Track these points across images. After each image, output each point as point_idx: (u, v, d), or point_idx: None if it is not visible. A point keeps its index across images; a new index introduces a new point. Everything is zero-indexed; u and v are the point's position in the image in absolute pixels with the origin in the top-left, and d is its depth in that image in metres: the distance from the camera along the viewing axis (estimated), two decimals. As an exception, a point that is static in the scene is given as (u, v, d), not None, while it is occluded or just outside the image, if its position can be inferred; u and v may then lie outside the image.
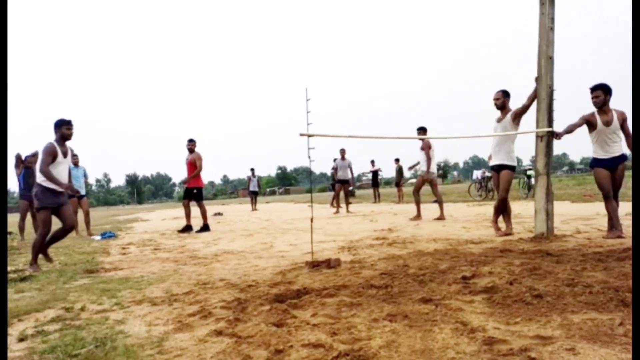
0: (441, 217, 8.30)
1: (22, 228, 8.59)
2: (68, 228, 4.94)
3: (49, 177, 4.63)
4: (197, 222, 8.72)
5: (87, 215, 9.31)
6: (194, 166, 8.37)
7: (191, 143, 8.49)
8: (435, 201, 8.94)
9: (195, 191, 8.51)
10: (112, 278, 4.02)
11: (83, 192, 9.22)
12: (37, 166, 4.76)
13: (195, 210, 8.67)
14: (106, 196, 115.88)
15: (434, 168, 8.61)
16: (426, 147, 8.44)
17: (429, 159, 8.46)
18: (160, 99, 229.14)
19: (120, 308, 2.90)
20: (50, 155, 4.65)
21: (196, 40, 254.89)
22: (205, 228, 8.46)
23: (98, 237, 8.35)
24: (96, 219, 16.17)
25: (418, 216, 8.58)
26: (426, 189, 9.07)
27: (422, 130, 8.35)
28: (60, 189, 4.78)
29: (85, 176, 9.38)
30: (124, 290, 3.42)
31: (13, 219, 11.90)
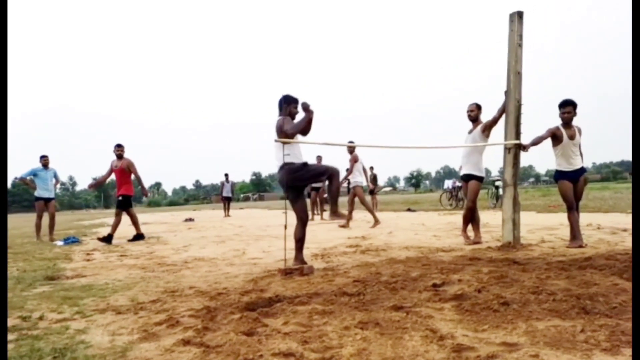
0: (344, 225, 8.96)
1: None
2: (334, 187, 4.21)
3: (299, 126, 3.97)
4: (124, 230, 8.16)
5: (52, 218, 8.96)
6: (124, 173, 7.80)
7: (119, 148, 7.89)
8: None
9: (120, 198, 7.82)
10: (75, 285, 3.86)
11: (52, 195, 8.94)
12: (286, 131, 3.96)
13: (120, 217, 7.88)
14: (71, 200, 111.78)
15: (356, 178, 9.44)
16: (353, 160, 9.36)
17: (350, 170, 9.35)
18: (129, 101, 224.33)
19: (82, 317, 2.78)
20: (289, 123, 4.04)
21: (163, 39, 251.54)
22: (108, 238, 7.52)
23: (60, 243, 8.01)
24: (60, 224, 15.56)
25: (377, 222, 9.13)
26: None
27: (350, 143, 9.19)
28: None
29: (57, 178, 9.06)
30: (87, 298, 3.29)
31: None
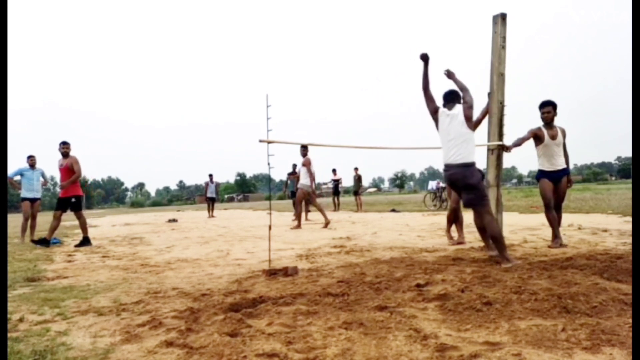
0: (326, 224, 9.08)
1: None
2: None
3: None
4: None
5: (33, 219, 8.78)
6: (70, 172, 7.44)
7: (65, 146, 7.50)
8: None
9: (73, 200, 7.45)
10: (56, 287, 3.79)
11: (38, 195, 8.75)
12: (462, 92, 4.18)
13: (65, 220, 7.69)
14: (52, 200, 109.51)
15: (304, 180, 9.54)
16: (307, 164, 9.42)
17: (310, 174, 9.43)
18: (110, 101, 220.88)
19: (63, 318, 2.73)
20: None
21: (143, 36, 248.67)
22: (85, 241, 7.34)
23: (41, 244, 7.84)
24: (41, 224, 15.21)
25: (298, 225, 9.29)
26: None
27: (304, 149, 9.44)
28: None
29: (44, 178, 8.88)
30: (68, 300, 3.23)
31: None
